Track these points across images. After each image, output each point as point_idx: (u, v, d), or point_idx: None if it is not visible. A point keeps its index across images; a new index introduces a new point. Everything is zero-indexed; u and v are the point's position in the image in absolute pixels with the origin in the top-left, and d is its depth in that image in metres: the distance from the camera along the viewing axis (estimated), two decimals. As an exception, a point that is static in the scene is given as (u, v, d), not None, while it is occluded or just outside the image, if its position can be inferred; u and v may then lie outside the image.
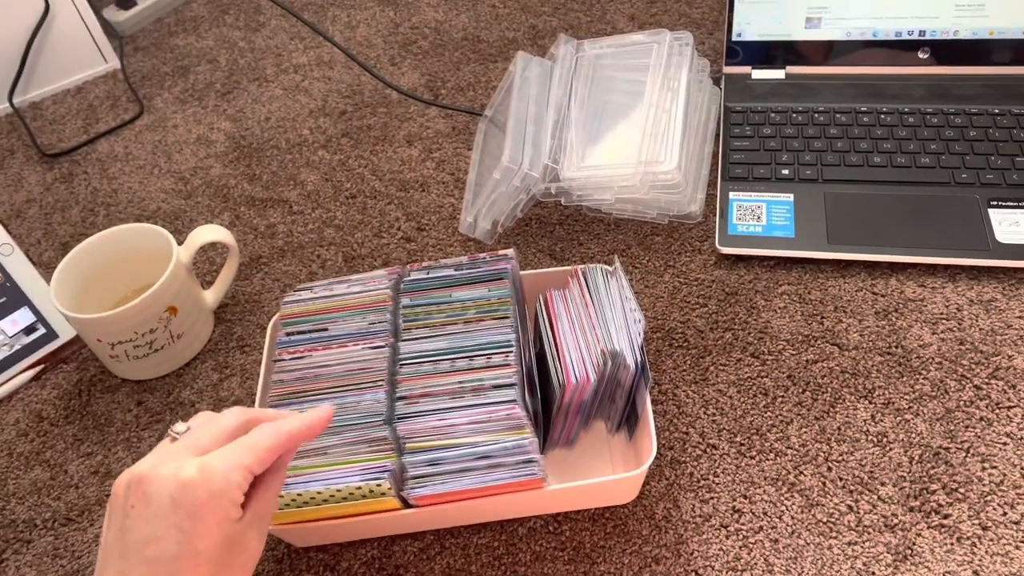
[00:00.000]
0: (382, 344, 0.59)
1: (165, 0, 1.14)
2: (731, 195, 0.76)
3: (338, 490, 0.54)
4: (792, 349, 0.67)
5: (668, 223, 0.78)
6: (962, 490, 0.58)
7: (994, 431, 0.60)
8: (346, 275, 0.65)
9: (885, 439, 0.61)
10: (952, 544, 0.55)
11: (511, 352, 0.57)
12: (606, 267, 0.64)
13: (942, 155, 0.76)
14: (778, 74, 0.86)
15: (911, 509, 0.57)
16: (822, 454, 0.61)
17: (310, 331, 0.62)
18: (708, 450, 0.62)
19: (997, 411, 0.61)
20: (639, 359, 0.57)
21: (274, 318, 0.66)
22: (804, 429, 0.62)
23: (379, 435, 0.55)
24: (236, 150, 0.93)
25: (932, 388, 0.63)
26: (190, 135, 0.96)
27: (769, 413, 0.64)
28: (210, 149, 0.94)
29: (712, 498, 0.60)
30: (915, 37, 0.82)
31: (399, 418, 0.56)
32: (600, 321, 0.60)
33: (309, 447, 0.56)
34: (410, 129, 0.92)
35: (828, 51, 0.85)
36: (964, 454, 0.59)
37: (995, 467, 0.59)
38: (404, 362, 0.59)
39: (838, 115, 0.80)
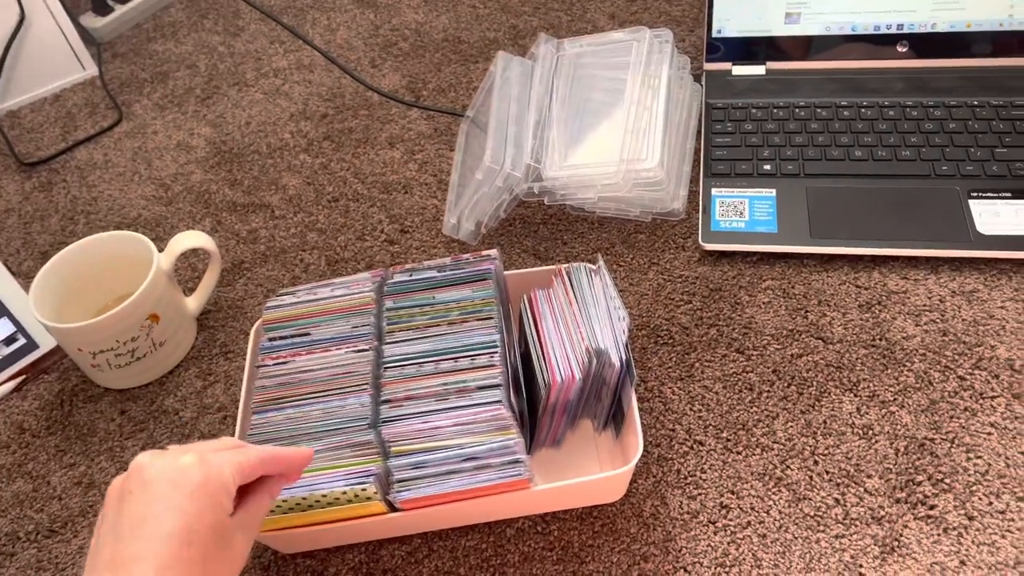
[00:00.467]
0: (366, 347, 0.59)
1: (143, 6, 1.13)
2: (713, 191, 0.76)
3: (324, 495, 0.54)
4: (777, 344, 0.67)
5: (651, 221, 0.78)
6: (948, 481, 0.58)
7: (978, 421, 0.61)
8: (329, 279, 0.65)
9: (871, 431, 0.61)
10: (939, 535, 0.56)
11: (496, 353, 0.57)
12: (590, 266, 0.64)
13: (922, 148, 0.76)
14: (758, 70, 0.86)
15: (897, 501, 0.57)
16: (808, 448, 0.61)
17: (293, 336, 0.61)
18: (695, 446, 0.62)
19: (981, 401, 0.62)
20: (624, 357, 0.57)
21: (257, 323, 0.66)
22: (790, 423, 0.62)
23: (364, 439, 0.55)
24: (217, 155, 0.93)
25: (916, 380, 0.64)
26: (170, 141, 0.95)
27: (755, 408, 0.64)
28: (190, 155, 0.93)
29: (699, 494, 0.60)
30: (893, 31, 0.83)
31: (384, 422, 0.56)
32: (585, 320, 0.60)
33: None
34: (392, 131, 0.92)
35: (808, 46, 0.85)
36: (949, 445, 0.60)
37: (980, 457, 0.59)
38: (388, 365, 0.58)
39: (819, 110, 0.81)
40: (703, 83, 0.86)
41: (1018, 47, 0.81)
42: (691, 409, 0.64)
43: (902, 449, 0.60)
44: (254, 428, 0.57)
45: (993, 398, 0.62)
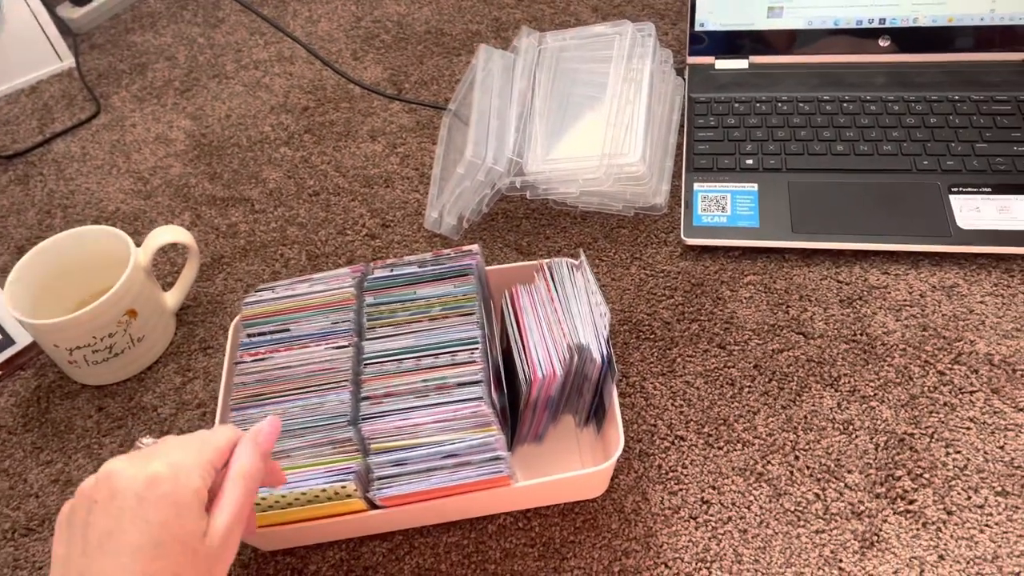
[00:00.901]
0: (346, 344, 0.59)
1: (121, -4, 1.12)
2: (696, 186, 0.76)
3: (303, 493, 0.53)
4: (758, 339, 0.67)
5: (634, 215, 0.78)
6: (927, 475, 0.58)
7: (957, 416, 0.61)
8: (310, 274, 0.64)
9: (851, 427, 0.61)
10: (918, 529, 0.56)
11: (477, 349, 0.57)
12: (572, 261, 0.64)
13: (904, 142, 0.76)
14: (741, 64, 0.86)
15: (877, 496, 0.58)
16: (789, 443, 0.61)
17: (272, 332, 0.61)
18: (676, 442, 0.62)
19: (960, 396, 0.62)
20: (605, 352, 0.57)
21: (235, 319, 0.65)
22: (771, 418, 0.63)
23: (343, 436, 0.55)
24: (196, 148, 0.92)
25: (896, 375, 0.64)
26: (149, 134, 0.94)
27: (736, 403, 0.64)
28: (169, 148, 0.92)
29: (681, 490, 0.60)
30: (876, 25, 0.83)
31: (364, 418, 0.55)
32: (566, 315, 0.59)
33: (273, 451, 0.55)
34: (373, 124, 0.91)
35: (790, 40, 0.85)
36: (928, 440, 0.60)
37: (959, 452, 0.59)
38: (368, 361, 0.58)
39: (801, 104, 0.81)
40: (686, 77, 0.86)
41: (999, 42, 0.81)
42: (672, 404, 0.64)
43: (882, 444, 0.60)
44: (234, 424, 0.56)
45: (972, 393, 0.62)
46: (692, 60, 0.87)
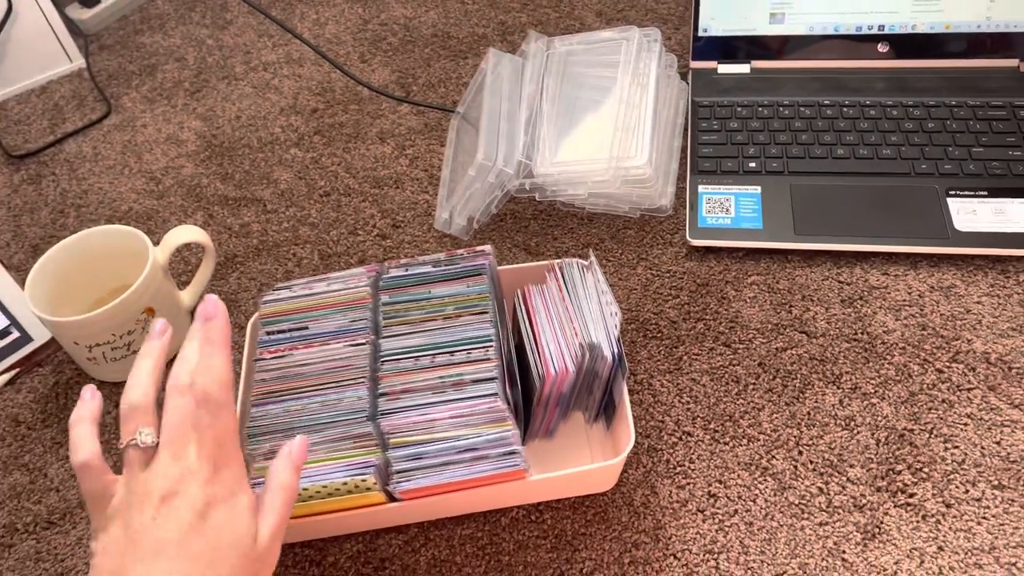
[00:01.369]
0: (363, 341, 0.60)
1: (129, -3, 1.13)
2: (700, 188, 0.78)
3: (324, 486, 0.55)
4: (762, 337, 0.69)
5: (640, 217, 0.79)
6: (926, 470, 0.60)
7: (955, 412, 0.63)
8: (322, 273, 0.66)
9: (853, 423, 0.63)
10: (918, 522, 0.58)
11: (491, 347, 0.59)
12: (582, 261, 0.65)
13: (902, 146, 0.78)
14: (744, 69, 0.88)
15: (878, 489, 0.60)
16: (793, 439, 0.63)
17: (290, 330, 0.62)
18: (683, 437, 0.64)
19: (958, 393, 0.64)
20: (616, 351, 0.59)
21: (253, 317, 0.67)
22: (775, 415, 0.64)
23: (363, 431, 0.56)
24: (207, 149, 0.93)
25: (896, 372, 0.66)
26: (160, 134, 0.96)
27: (741, 400, 0.66)
28: (181, 148, 0.94)
29: (688, 484, 0.62)
30: (875, 31, 0.85)
31: (382, 414, 0.57)
32: (577, 314, 0.61)
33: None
34: (382, 126, 0.92)
35: (792, 46, 0.87)
36: (928, 435, 0.62)
37: (957, 447, 0.61)
38: (385, 359, 0.60)
39: (802, 108, 0.83)
40: (689, 81, 0.88)
41: (995, 48, 0.83)
42: (680, 401, 0.66)
43: (883, 440, 0.62)
44: (253, 421, 0.58)
45: (970, 390, 0.64)
46: (695, 65, 0.89)
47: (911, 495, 0.59)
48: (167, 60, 1.05)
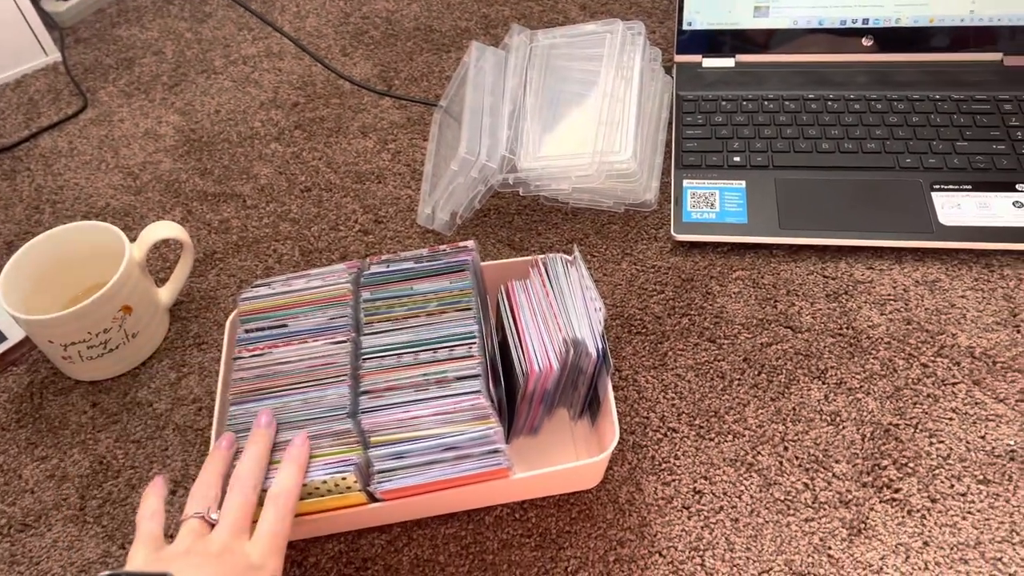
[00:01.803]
0: (343, 339, 0.59)
1: (106, -10, 1.11)
2: (685, 183, 0.78)
3: (304, 485, 0.54)
4: (747, 333, 0.69)
5: (624, 211, 0.79)
6: (911, 465, 0.60)
7: (940, 407, 0.63)
8: (303, 269, 0.65)
9: (838, 418, 0.63)
10: (903, 517, 0.58)
11: (474, 343, 0.58)
12: (566, 257, 0.65)
13: (887, 140, 0.78)
14: (728, 62, 0.88)
15: (864, 485, 0.59)
16: (778, 434, 0.63)
17: (270, 327, 0.61)
18: (668, 433, 0.64)
19: (943, 388, 0.64)
20: (600, 347, 0.58)
21: (232, 314, 0.66)
22: (760, 410, 0.64)
23: (343, 428, 0.55)
24: (186, 144, 0.92)
25: (881, 367, 0.65)
26: (137, 129, 0.94)
27: (726, 396, 0.65)
28: (159, 143, 0.92)
29: (673, 480, 0.61)
30: (859, 25, 0.84)
31: (363, 412, 0.56)
32: (561, 310, 0.61)
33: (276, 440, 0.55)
34: (364, 120, 0.91)
35: (776, 40, 0.86)
36: (913, 430, 0.62)
37: (942, 442, 0.61)
38: (367, 356, 0.59)
39: (787, 102, 0.82)
40: (674, 75, 0.87)
41: (979, 42, 0.83)
42: (664, 397, 0.66)
43: (868, 435, 0.62)
44: (232, 419, 0.57)
45: (954, 384, 0.64)
46: (680, 59, 0.89)
47: (896, 490, 0.59)
48: (145, 53, 1.04)
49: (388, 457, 0.55)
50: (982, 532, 0.56)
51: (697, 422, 0.64)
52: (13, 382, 0.73)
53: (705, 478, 0.61)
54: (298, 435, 0.55)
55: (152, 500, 0.53)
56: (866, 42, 0.85)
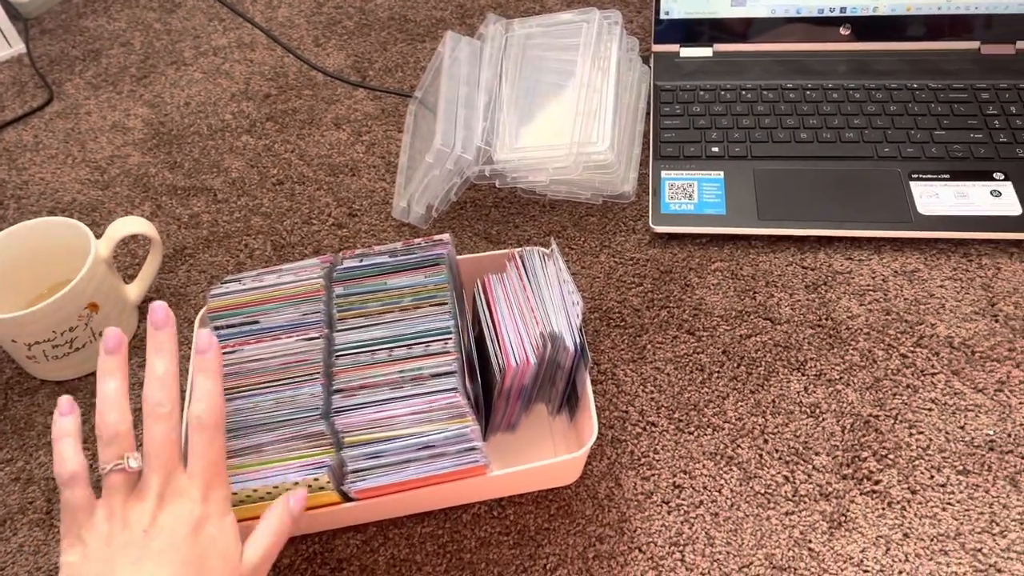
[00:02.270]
0: (316, 335, 0.58)
1: (72, -21, 1.08)
2: (663, 174, 0.77)
3: (275, 487, 0.53)
4: (726, 325, 0.68)
5: (602, 203, 0.78)
6: (891, 456, 0.60)
7: (920, 398, 0.62)
8: (276, 264, 0.63)
9: (818, 410, 0.63)
10: (883, 509, 0.57)
11: (450, 339, 0.57)
12: (543, 249, 0.64)
13: (865, 130, 0.78)
14: (706, 52, 0.87)
15: (844, 477, 0.59)
16: (758, 427, 0.62)
17: (240, 324, 0.60)
18: (647, 428, 0.63)
19: (922, 378, 0.63)
20: (578, 341, 0.57)
21: (202, 311, 0.64)
22: (740, 403, 0.64)
23: (316, 430, 0.54)
24: (155, 137, 0.90)
25: (861, 358, 0.65)
26: (105, 122, 0.92)
27: (706, 389, 0.65)
28: (127, 136, 0.90)
29: (653, 475, 0.60)
30: (836, 14, 0.84)
31: (336, 412, 0.55)
32: (539, 304, 0.60)
33: (244, 445, 0.54)
34: (338, 112, 0.90)
35: (754, 28, 0.86)
36: (892, 421, 0.61)
37: (922, 433, 0.61)
38: (340, 353, 0.57)
39: (765, 92, 0.82)
40: (651, 65, 0.86)
41: (956, 31, 0.83)
42: (643, 391, 0.65)
43: (848, 426, 0.61)
44: (202, 420, 0.55)
45: (934, 375, 0.64)
46: (657, 48, 0.88)
47: (876, 482, 0.58)
48: (112, 45, 1.01)
49: (362, 457, 0.54)
50: (962, 523, 0.56)
51: (676, 416, 0.63)
52: (-23, 383, 0.71)
53: (685, 472, 0.60)
54: (202, 335, 0.49)
55: (65, 447, 0.46)
56: (844, 31, 0.84)
